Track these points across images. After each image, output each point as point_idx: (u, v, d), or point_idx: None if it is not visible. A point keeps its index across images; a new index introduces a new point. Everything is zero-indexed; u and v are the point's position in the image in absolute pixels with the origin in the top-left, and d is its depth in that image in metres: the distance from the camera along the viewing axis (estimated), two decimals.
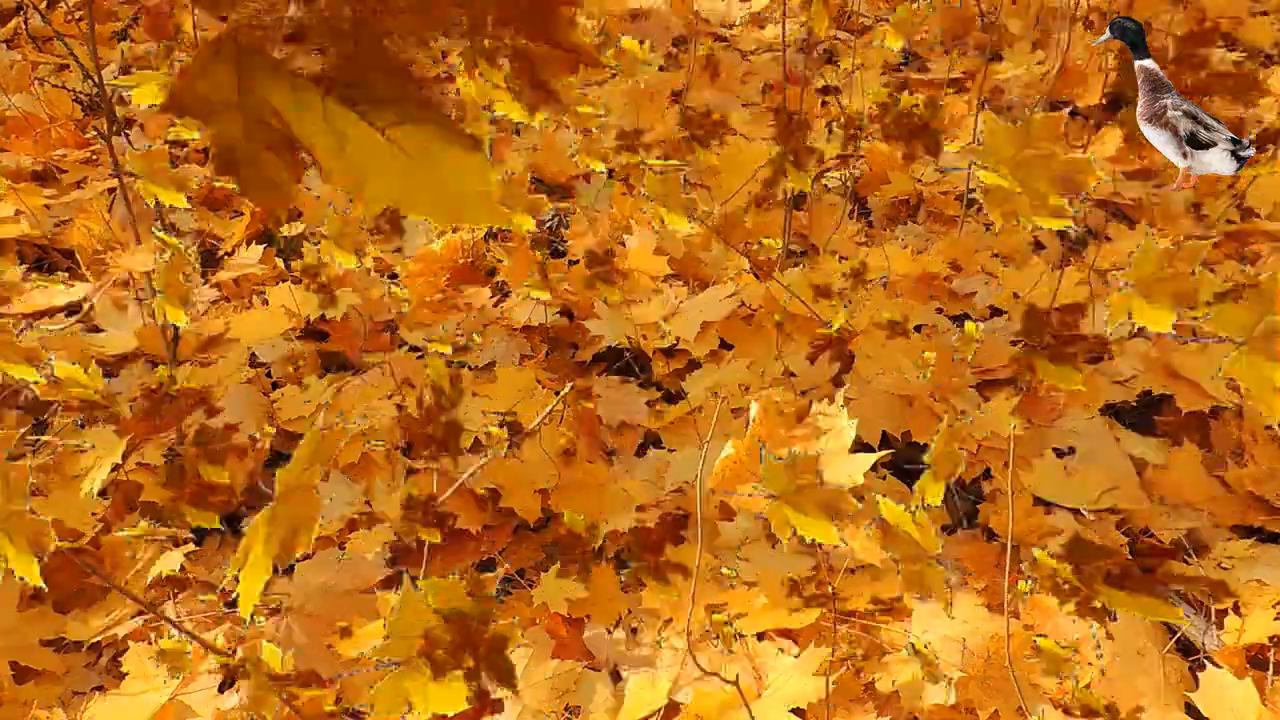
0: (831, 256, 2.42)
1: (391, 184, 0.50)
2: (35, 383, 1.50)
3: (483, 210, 0.51)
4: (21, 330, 2.12)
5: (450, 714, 0.98)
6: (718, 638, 1.60)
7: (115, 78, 3.13)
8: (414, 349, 2.25)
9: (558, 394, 1.86)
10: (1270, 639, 1.59)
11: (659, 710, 1.54)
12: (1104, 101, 3.02)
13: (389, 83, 0.49)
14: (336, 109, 0.50)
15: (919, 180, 2.74)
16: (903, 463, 1.93)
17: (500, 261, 2.41)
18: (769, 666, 1.58)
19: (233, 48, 0.49)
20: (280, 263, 2.50)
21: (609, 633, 1.67)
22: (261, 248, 2.48)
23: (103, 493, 1.82)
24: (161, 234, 1.60)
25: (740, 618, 1.65)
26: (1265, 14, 3.49)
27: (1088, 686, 1.55)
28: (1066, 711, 1.48)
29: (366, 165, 0.50)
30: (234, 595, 1.75)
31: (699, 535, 1.52)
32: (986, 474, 1.90)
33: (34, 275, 2.45)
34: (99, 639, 1.64)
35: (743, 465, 1.75)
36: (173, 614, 1.68)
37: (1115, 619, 1.65)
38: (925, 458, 1.23)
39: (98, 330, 2.29)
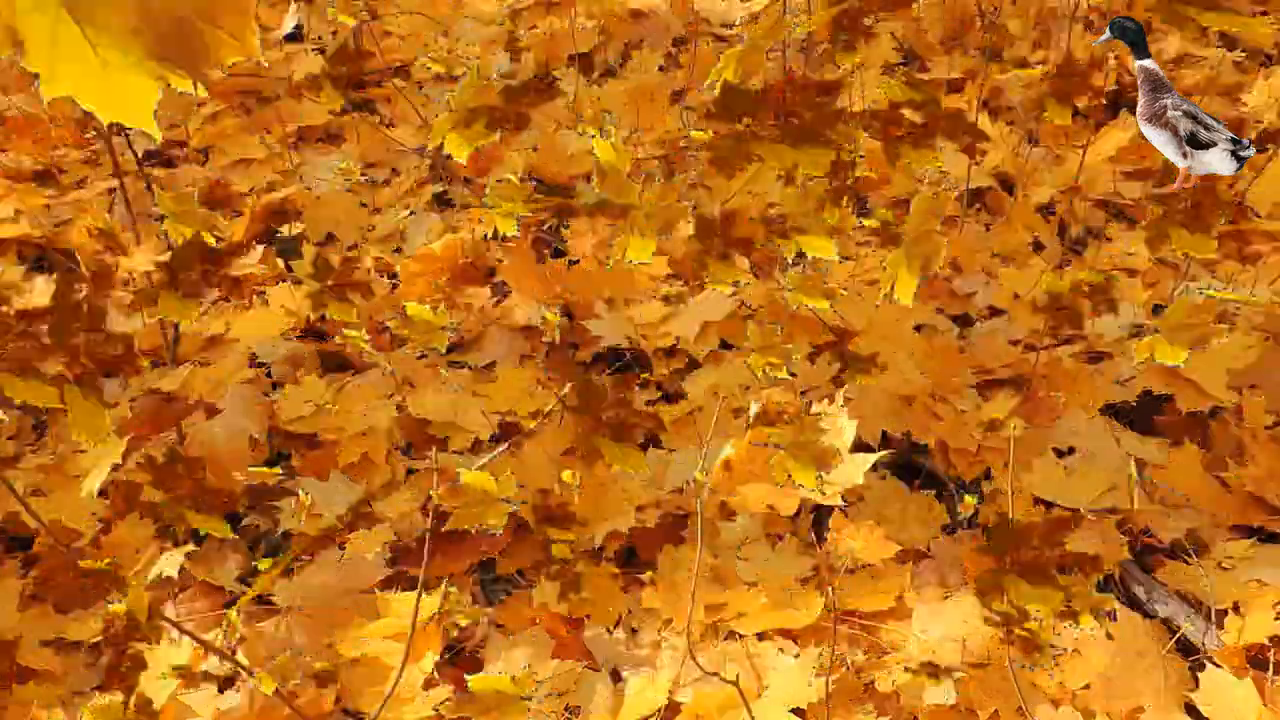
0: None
1: (78, 83, 0.75)
2: None
3: (138, 117, 0.77)
4: (21, 330, 2.11)
5: None
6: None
7: None
8: None
9: (557, 394, 1.86)
10: (1270, 639, 1.59)
11: (659, 710, 1.54)
12: (1104, 101, 3.02)
13: (119, 14, 0.73)
14: (65, 24, 0.74)
15: (919, 180, 2.73)
16: (903, 462, 1.93)
17: (500, 261, 2.41)
18: (769, 666, 1.58)
19: None
20: (280, 263, 2.50)
21: (609, 633, 1.67)
22: (261, 248, 2.48)
23: (103, 493, 1.82)
24: None
25: (740, 617, 1.65)
26: (1265, 13, 3.49)
27: (1087, 687, 1.56)
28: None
29: (62, 64, 0.74)
30: (234, 595, 1.75)
31: (699, 535, 1.52)
32: (986, 474, 1.90)
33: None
34: (99, 639, 1.64)
35: (743, 465, 1.75)
36: (173, 614, 1.68)
37: (1115, 619, 1.65)
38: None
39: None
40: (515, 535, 1.84)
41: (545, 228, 2.61)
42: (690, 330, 2.15)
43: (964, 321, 2.29)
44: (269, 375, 2.17)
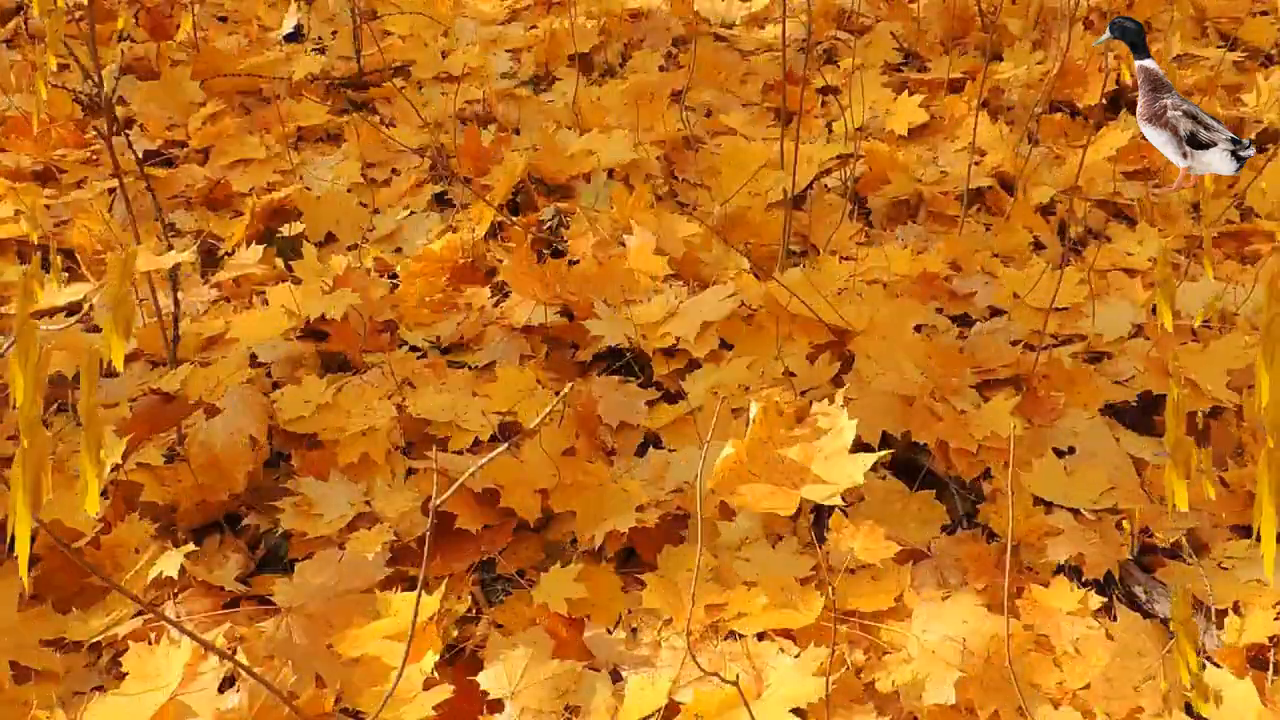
0: (832, 257, 2.42)
1: None
2: None
3: None
4: None
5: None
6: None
7: (116, 78, 3.13)
8: (414, 349, 2.24)
9: (558, 394, 1.86)
10: (1270, 639, 1.59)
11: (659, 710, 1.54)
12: (1104, 101, 3.02)
13: None
14: None
15: (919, 180, 2.74)
16: (903, 462, 1.93)
17: (500, 261, 2.41)
18: (769, 666, 1.58)
19: None
20: (280, 263, 2.50)
21: (609, 633, 1.67)
22: (261, 248, 2.48)
23: (103, 493, 1.82)
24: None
25: (740, 617, 1.65)
26: (1265, 14, 3.49)
27: (1087, 687, 1.56)
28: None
29: None
30: (234, 595, 1.75)
31: (699, 535, 1.52)
32: (986, 474, 1.89)
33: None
34: (99, 639, 1.64)
35: (743, 465, 1.75)
36: (173, 614, 1.68)
37: (1115, 619, 1.65)
38: None
39: (98, 330, 2.29)
40: (515, 535, 1.84)
41: (545, 228, 2.61)
42: (690, 330, 2.15)
43: (964, 321, 2.29)
44: (269, 375, 2.17)
